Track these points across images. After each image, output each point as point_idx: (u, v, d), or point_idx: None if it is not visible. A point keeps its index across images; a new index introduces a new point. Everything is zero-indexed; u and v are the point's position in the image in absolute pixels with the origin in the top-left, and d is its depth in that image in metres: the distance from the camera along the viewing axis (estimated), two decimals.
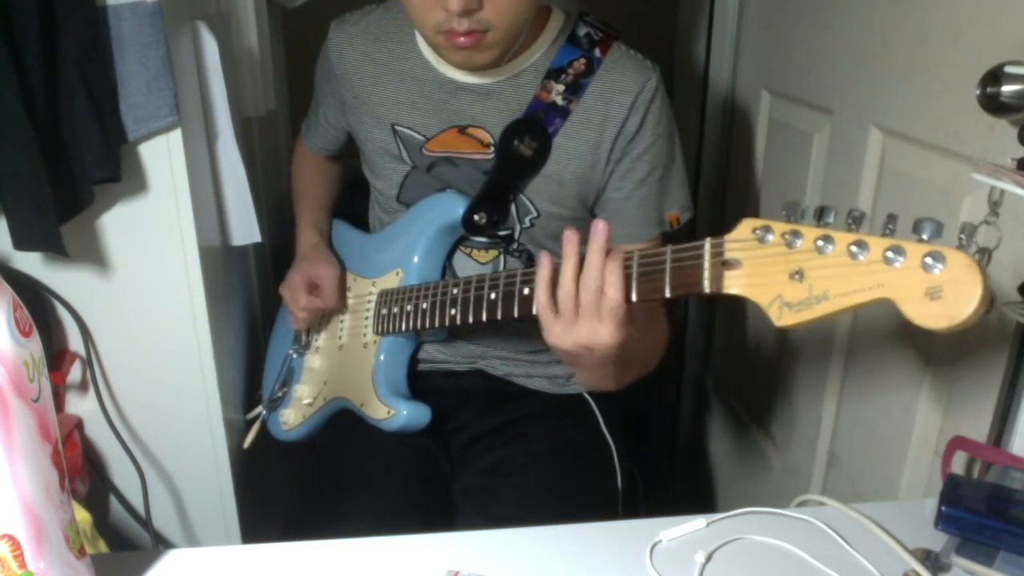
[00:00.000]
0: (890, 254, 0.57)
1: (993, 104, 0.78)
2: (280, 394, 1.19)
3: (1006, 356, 0.84)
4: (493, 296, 0.88)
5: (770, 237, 0.64)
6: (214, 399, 1.07)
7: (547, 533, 0.77)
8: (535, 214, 1.03)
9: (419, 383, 1.10)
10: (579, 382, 1.11)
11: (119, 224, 0.97)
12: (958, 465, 0.87)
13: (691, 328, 1.75)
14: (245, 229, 1.16)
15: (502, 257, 1.07)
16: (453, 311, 0.94)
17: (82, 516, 0.87)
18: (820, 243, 0.60)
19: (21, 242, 0.85)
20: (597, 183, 1.02)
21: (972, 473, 0.89)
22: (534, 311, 0.81)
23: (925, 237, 0.57)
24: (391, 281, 1.08)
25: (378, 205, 1.15)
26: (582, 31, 1.02)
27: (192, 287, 1.01)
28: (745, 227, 0.66)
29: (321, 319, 1.18)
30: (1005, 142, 0.80)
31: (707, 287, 0.68)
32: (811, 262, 0.61)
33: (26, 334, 0.58)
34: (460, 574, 0.71)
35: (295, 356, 1.20)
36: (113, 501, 1.07)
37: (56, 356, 1.00)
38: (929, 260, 0.55)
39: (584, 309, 0.76)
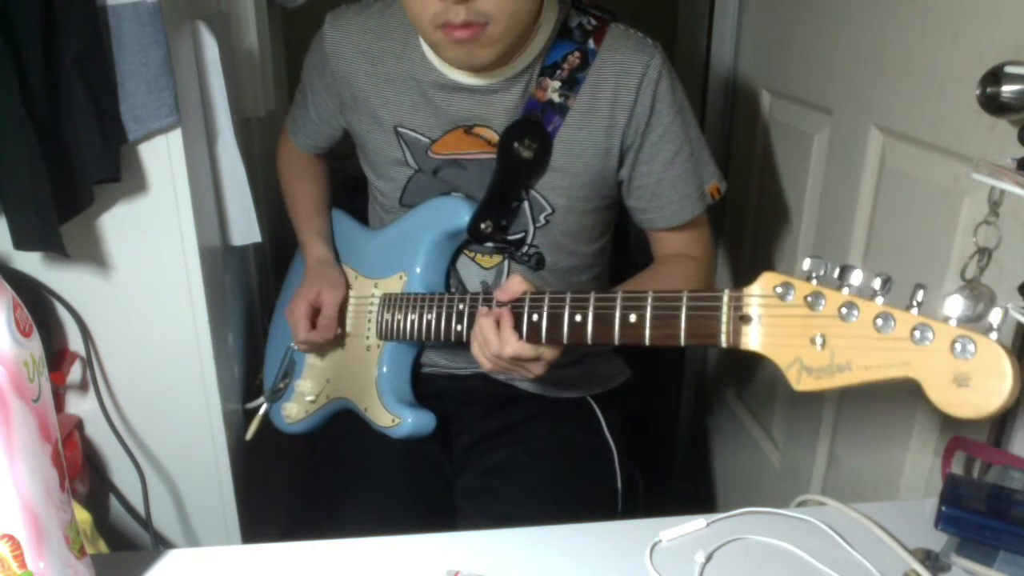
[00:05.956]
0: (917, 333, 0.55)
1: (993, 104, 0.78)
2: (281, 385, 1.19)
3: None
4: None
5: (791, 296, 0.62)
6: (214, 399, 1.07)
7: (547, 533, 0.77)
8: (550, 210, 1.02)
9: (421, 386, 1.10)
10: None
11: (119, 224, 0.97)
12: (958, 465, 0.87)
13: None
14: (245, 229, 1.15)
15: (507, 263, 1.06)
16: (459, 327, 0.93)
17: (82, 516, 0.87)
18: (844, 310, 0.59)
19: (21, 242, 0.85)
20: (612, 171, 1.01)
21: (972, 473, 0.89)
22: (543, 340, 0.83)
23: (954, 316, 0.55)
24: (394, 285, 1.06)
25: (379, 206, 1.13)
26: (574, 22, 0.99)
27: (192, 287, 1.01)
28: (766, 282, 0.64)
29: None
30: (1005, 142, 0.80)
31: (724, 341, 0.67)
32: (834, 329, 0.59)
33: (26, 334, 0.58)
34: (460, 574, 0.71)
35: (296, 348, 1.18)
36: (113, 501, 1.07)
37: (56, 356, 1.00)
38: (959, 346, 0.54)
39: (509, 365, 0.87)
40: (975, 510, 0.72)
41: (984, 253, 0.76)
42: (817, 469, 1.24)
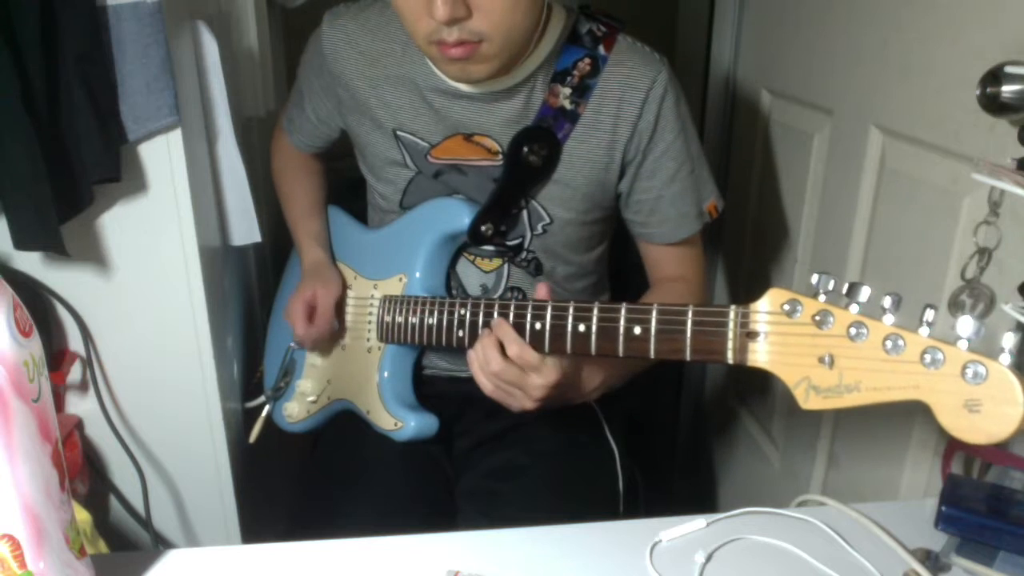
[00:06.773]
0: (928, 356, 0.55)
1: (993, 104, 0.78)
2: (282, 384, 1.18)
3: None
4: None
5: (799, 314, 0.62)
6: (214, 399, 1.07)
7: (547, 533, 0.77)
8: (548, 220, 1.02)
9: (423, 388, 1.09)
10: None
11: (119, 224, 0.96)
12: (958, 465, 0.87)
13: None
14: (245, 229, 1.15)
15: (506, 266, 1.05)
16: (461, 333, 0.92)
17: (82, 516, 0.87)
18: (853, 330, 0.58)
19: (21, 242, 0.85)
20: (612, 185, 1.01)
21: (972, 473, 0.89)
22: (546, 349, 0.83)
23: (965, 336, 0.54)
24: (394, 287, 1.06)
25: (379, 208, 1.12)
26: (583, 28, 0.98)
27: (192, 287, 1.01)
28: (773, 298, 0.64)
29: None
30: (1005, 142, 0.80)
31: (731, 357, 0.67)
32: (843, 349, 0.59)
33: (26, 334, 0.58)
34: (460, 574, 0.71)
35: (296, 347, 1.18)
36: (113, 501, 1.07)
37: (56, 356, 1.00)
38: (970, 371, 0.54)
39: (511, 382, 0.87)
40: (975, 510, 0.73)
41: (984, 253, 0.76)
42: (817, 469, 1.24)
